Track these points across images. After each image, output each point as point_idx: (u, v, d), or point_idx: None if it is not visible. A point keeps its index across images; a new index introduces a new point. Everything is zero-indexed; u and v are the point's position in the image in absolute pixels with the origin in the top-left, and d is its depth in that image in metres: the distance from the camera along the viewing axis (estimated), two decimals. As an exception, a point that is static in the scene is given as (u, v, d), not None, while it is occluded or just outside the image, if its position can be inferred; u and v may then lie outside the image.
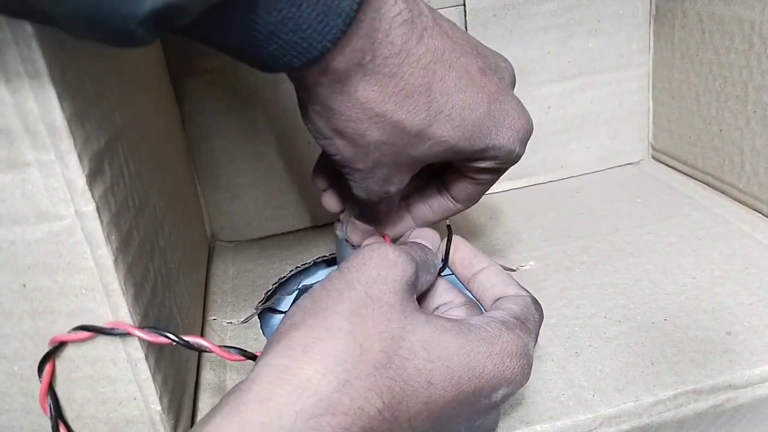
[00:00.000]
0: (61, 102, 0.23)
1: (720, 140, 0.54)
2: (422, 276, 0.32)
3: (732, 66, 0.50)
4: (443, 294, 0.36)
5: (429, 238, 0.38)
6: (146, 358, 0.28)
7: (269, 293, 0.50)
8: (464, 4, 0.56)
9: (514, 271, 0.49)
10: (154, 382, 0.29)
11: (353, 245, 0.43)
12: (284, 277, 0.52)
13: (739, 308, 0.41)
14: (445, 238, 0.38)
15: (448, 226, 0.39)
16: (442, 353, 0.28)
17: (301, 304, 0.29)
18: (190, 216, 0.50)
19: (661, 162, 0.64)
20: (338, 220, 0.47)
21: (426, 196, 0.42)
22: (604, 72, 0.61)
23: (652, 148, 0.65)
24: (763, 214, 0.51)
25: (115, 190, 0.28)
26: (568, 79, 0.60)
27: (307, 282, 0.54)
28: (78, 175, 0.24)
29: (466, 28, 0.56)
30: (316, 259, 0.54)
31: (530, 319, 0.32)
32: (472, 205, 0.41)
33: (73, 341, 0.28)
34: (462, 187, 0.40)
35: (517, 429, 0.34)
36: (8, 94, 0.23)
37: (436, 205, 0.41)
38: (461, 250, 0.38)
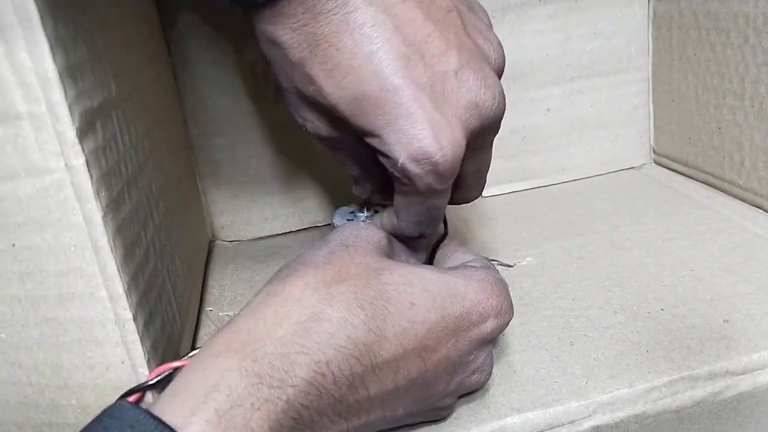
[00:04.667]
0: (53, 53, 0.24)
1: (719, 138, 0.54)
2: (401, 255, 0.35)
3: (729, 62, 0.51)
4: (461, 256, 0.37)
5: None
6: (134, 318, 0.28)
7: (267, 288, 0.50)
8: (463, 6, 0.56)
9: (511, 266, 0.49)
10: (142, 345, 0.28)
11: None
12: (282, 272, 0.52)
13: (737, 297, 0.41)
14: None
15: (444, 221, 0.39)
16: (421, 280, 0.29)
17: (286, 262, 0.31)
18: (191, 210, 0.50)
19: (663, 166, 0.64)
20: (335, 208, 0.48)
21: None
22: (603, 75, 0.61)
23: (654, 152, 0.65)
24: (763, 210, 0.51)
25: (107, 151, 0.28)
26: (567, 81, 0.60)
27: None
28: (68, 127, 0.25)
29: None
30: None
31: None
32: None
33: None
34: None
35: (509, 416, 0.33)
36: (1, 44, 0.23)
37: None
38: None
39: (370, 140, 0.30)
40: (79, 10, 0.28)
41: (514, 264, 0.49)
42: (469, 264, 0.34)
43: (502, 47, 0.32)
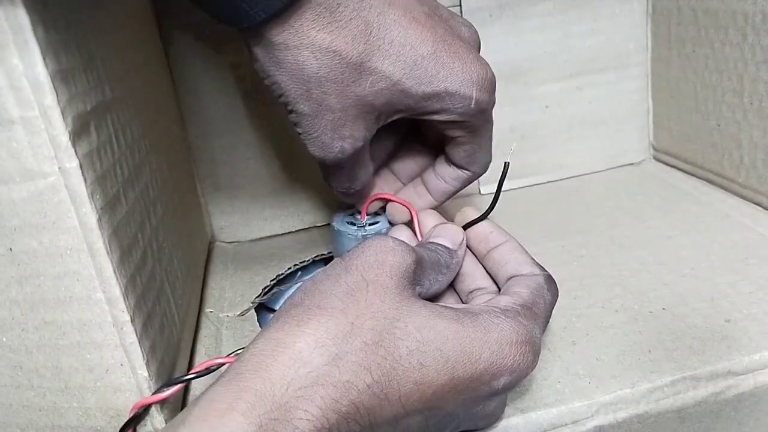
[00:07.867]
0: (44, 58, 0.24)
1: (719, 135, 0.54)
2: (429, 273, 0.33)
3: (727, 59, 0.51)
4: (480, 280, 0.36)
5: (449, 236, 0.37)
6: (132, 321, 0.28)
7: (267, 289, 0.50)
8: (460, 5, 0.56)
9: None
10: (140, 347, 0.29)
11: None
12: (282, 273, 0.52)
13: (738, 297, 0.41)
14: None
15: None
16: (436, 337, 0.28)
17: (302, 287, 0.30)
18: (190, 211, 0.50)
19: (662, 162, 0.64)
20: (336, 211, 0.48)
21: (438, 170, 0.43)
22: (602, 72, 0.61)
23: (653, 148, 0.65)
24: (762, 207, 0.51)
25: (102, 154, 0.28)
26: (566, 78, 0.60)
27: (305, 279, 0.54)
28: (61, 131, 0.25)
29: (463, 28, 0.57)
30: (315, 257, 0.54)
31: (539, 302, 0.32)
32: (482, 169, 0.42)
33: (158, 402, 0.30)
34: (456, 151, 0.40)
35: (512, 416, 0.33)
36: (-7, 50, 0.23)
37: (446, 174, 0.42)
38: (478, 225, 0.38)
39: (430, 105, 0.35)
40: (73, 14, 0.28)
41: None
42: (503, 301, 0.32)
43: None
